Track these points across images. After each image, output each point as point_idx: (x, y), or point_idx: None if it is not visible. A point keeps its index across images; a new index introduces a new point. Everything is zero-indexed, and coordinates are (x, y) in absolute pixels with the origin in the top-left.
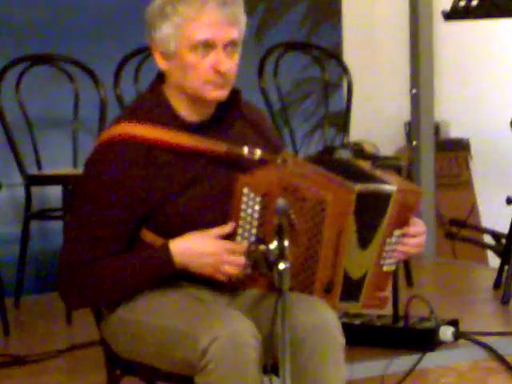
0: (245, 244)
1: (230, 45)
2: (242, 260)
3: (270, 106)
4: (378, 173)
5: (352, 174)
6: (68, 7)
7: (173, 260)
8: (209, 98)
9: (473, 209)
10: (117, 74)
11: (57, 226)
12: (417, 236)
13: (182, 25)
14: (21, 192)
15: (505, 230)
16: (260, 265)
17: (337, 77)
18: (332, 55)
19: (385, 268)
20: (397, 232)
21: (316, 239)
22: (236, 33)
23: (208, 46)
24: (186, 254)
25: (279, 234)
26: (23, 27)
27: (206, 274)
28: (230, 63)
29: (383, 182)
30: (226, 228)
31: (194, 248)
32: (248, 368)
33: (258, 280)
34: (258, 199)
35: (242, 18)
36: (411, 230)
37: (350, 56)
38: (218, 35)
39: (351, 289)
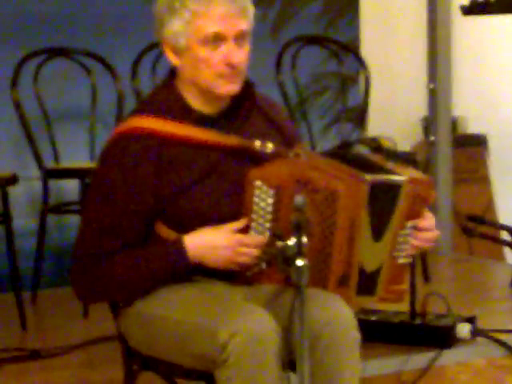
0: (258, 237)
1: (241, 36)
2: (255, 252)
3: (288, 100)
4: (390, 164)
5: (364, 165)
6: (85, 0)
7: (187, 254)
8: (221, 93)
9: (490, 205)
10: (134, 67)
11: (74, 219)
12: (429, 230)
13: (191, 20)
14: (38, 185)
15: None
16: (277, 261)
17: (354, 71)
18: (349, 49)
19: (399, 260)
20: (409, 223)
21: (329, 231)
22: (245, 24)
23: (219, 38)
24: (199, 248)
25: (297, 231)
26: (40, 20)
27: (220, 266)
28: (241, 55)
29: (394, 173)
30: (240, 223)
31: (208, 242)
32: (268, 362)
33: (274, 275)
34: (271, 192)
35: (251, 10)
36: (422, 223)
37: (367, 50)
38: (228, 27)
39: (366, 282)
